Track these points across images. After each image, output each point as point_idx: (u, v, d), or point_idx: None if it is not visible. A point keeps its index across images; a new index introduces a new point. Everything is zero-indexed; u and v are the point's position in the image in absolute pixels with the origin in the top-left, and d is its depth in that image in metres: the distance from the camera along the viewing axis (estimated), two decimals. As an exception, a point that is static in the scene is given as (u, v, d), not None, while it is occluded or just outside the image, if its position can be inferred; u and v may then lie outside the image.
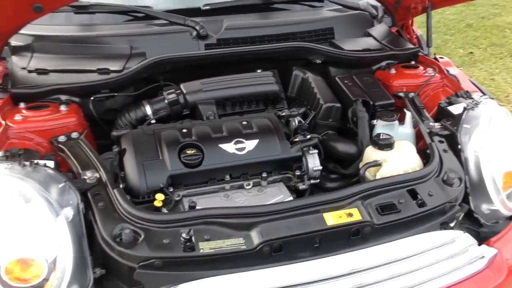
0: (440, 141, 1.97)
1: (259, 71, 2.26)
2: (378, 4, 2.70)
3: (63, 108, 1.97)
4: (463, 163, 1.91)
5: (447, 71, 2.39)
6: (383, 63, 2.45)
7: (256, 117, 1.99)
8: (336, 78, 2.28)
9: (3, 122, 1.85)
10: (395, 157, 1.87)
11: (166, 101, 2.06)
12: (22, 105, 1.97)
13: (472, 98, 2.13)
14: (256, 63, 2.30)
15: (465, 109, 2.04)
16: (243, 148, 1.84)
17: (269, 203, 1.71)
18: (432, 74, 2.35)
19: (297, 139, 1.90)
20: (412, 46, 2.53)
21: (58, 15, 2.33)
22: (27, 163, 1.60)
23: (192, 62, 2.20)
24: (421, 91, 2.30)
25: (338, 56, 2.34)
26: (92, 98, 2.05)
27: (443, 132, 2.01)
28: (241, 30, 2.38)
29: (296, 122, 2.00)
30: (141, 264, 1.47)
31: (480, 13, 7.68)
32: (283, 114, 2.01)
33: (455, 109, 2.09)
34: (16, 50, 2.22)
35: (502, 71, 5.60)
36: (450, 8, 7.84)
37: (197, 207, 1.69)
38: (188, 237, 1.51)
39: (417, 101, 2.20)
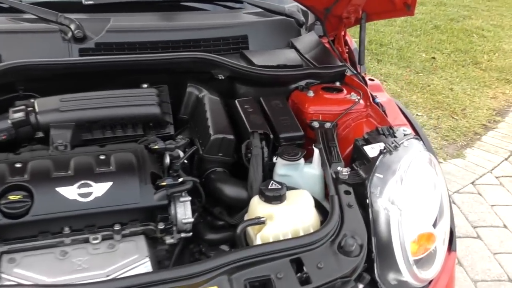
0: (346, 192, 1.59)
1: (144, 85, 1.85)
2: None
3: None
4: (370, 222, 1.55)
5: (373, 97, 2.01)
6: (302, 82, 2.06)
7: (120, 149, 1.58)
8: (236, 101, 1.89)
9: None
10: (284, 213, 1.49)
11: (9, 121, 1.63)
12: None
13: (394, 137, 1.76)
14: (145, 75, 1.88)
15: (381, 152, 1.67)
16: (88, 194, 1.43)
17: (90, 281, 1.31)
18: (356, 100, 1.97)
19: (164, 183, 1.50)
20: (339, 63, 2.15)
21: None
22: None
23: (58, 71, 1.77)
24: (341, 121, 1.93)
25: (245, 72, 1.94)
26: None
27: (353, 180, 1.64)
28: (129, 33, 1.95)
29: (168, 160, 1.60)
30: None
31: (450, 14, 7.38)
32: (156, 147, 1.60)
33: (371, 150, 1.71)
34: None
35: (463, 80, 5.30)
36: (419, 6, 7.52)
37: (4, 275, 1.29)
38: None
39: (331, 135, 1.83)
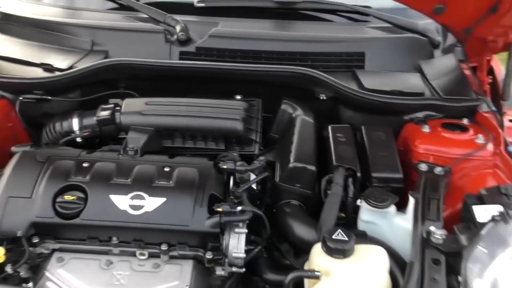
0: (435, 261, 1.28)
1: (238, 97, 1.73)
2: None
3: None
4: None
5: (507, 144, 1.62)
6: (420, 114, 1.75)
7: (187, 163, 1.48)
8: (329, 128, 1.66)
9: None
10: (345, 271, 1.24)
11: (95, 118, 1.64)
12: None
13: (515, 203, 1.37)
14: (242, 85, 1.77)
15: (493, 219, 1.31)
16: (140, 207, 1.35)
17: None
18: (482, 143, 1.61)
19: (219, 209, 1.36)
20: (473, 96, 1.78)
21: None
22: None
23: (156, 73, 1.75)
24: (457, 167, 1.58)
25: (350, 95, 1.70)
26: (20, 98, 1.71)
27: (448, 248, 1.31)
28: (232, 40, 1.85)
29: (232, 183, 1.45)
30: None
31: None
32: (225, 167, 1.46)
33: (483, 213, 1.36)
34: None
35: None
36: None
37: (47, 273, 1.28)
38: None
39: (438, 183, 1.50)
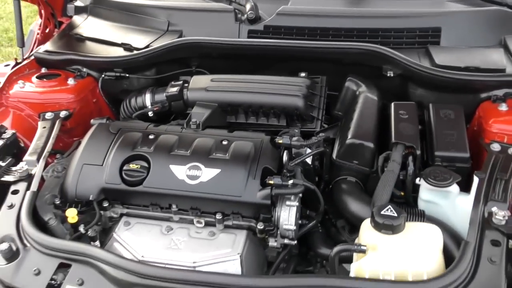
0: (494, 242, 1.20)
1: (302, 74, 1.73)
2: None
3: (70, 81, 1.84)
4: None
5: None
6: (500, 92, 1.63)
7: (244, 138, 1.52)
8: (392, 105, 1.60)
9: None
10: (392, 246, 1.21)
11: (164, 94, 1.73)
12: (43, 70, 1.91)
13: None
14: (308, 62, 1.77)
15: None
16: (196, 177, 1.42)
17: (165, 267, 1.29)
18: None
19: (271, 181, 1.38)
20: None
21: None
22: None
23: (226, 51, 1.81)
24: (535, 149, 1.46)
25: (419, 72, 1.63)
26: (102, 75, 1.87)
27: (509, 230, 1.22)
28: (300, 17, 1.85)
29: (286, 157, 1.46)
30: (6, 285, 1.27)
31: None
32: (280, 141, 1.48)
33: (554, 196, 1.25)
34: (78, 10, 2.17)
35: None
36: None
37: (115, 235, 1.41)
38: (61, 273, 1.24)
39: (509, 164, 1.40)
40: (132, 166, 1.47)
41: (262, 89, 1.64)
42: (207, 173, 1.42)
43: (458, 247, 1.26)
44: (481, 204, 1.28)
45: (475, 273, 1.14)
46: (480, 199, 1.29)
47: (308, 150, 1.50)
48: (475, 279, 1.13)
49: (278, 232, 1.41)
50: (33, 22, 2.30)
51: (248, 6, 1.86)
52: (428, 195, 1.42)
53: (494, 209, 1.26)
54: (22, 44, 1.98)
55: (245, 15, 1.88)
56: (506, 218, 1.23)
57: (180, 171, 1.44)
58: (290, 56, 1.78)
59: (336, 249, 1.25)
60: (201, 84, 1.70)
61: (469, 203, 1.35)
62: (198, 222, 1.45)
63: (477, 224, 1.23)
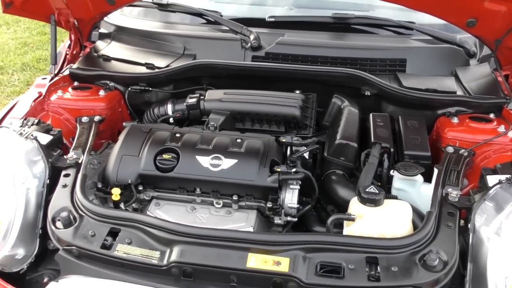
0: (450, 213, 1.60)
1: (297, 91, 2.13)
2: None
3: (101, 92, 2.17)
4: (469, 247, 1.52)
5: (525, 133, 1.90)
6: (452, 110, 2.07)
7: (254, 137, 1.90)
8: (370, 115, 2.02)
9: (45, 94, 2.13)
10: (375, 215, 1.59)
11: (185, 104, 2.10)
12: (75, 83, 2.24)
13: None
14: (300, 83, 2.17)
15: (500, 182, 1.61)
16: (217, 165, 1.78)
17: (199, 227, 1.63)
18: (502, 132, 1.90)
19: (278, 169, 1.75)
20: (502, 95, 2.08)
21: (141, 10, 2.57)
22: (26, 132, 1.82)
23: (233, 72, 2.19)
24: (480, 150, 1.89)
25: (390, 92, 2.06)
26: (129, 88, 2.21)
27: (461, 204, 1.62)
28: (294, 46, 2.27)
29: (288, 151, 1.84)
30: (64, 248, 1.56)
31: None
32: (284, 140, 1.86)
33: (493, 180, 1.67)
34: (101, 36, 2.52)
35: None
36: None
37: (148, 213, 1.72)
38: (111, 236, 1.55)
39: (459, 160, 1.81)
40: (165, 156, 1.81)
41: (267, 101, 2.03)
42: (226, 163, 1.78)
43: (422, 221, 1.65)
44: (440, 187, 1.68)
45: (436, 233, 1.53)
46: (439, 183, 1.69)
47: (305, 147, 1.89)
48: (437, 238, 1.52)
49: (283, 211, 1.77)
50: (61, 44, 2.64)
51: (252, 37, 2.26)
52: (399, 183, 1.81)
53: (449, 190, 1.66)
54: (55, 62, 2.31)
55: (249, 43, 2.28)
56: (459, 196, 1.64)
57: (205, 161, 1.79)
58: (287, 77, 2.18)
59: (332, 217, 1.62)
60: (216, 96, 2.08)
61: (430, 190, 1.75)
62: (217, 203, 1.79)
63: (437, 201, 1.63)
